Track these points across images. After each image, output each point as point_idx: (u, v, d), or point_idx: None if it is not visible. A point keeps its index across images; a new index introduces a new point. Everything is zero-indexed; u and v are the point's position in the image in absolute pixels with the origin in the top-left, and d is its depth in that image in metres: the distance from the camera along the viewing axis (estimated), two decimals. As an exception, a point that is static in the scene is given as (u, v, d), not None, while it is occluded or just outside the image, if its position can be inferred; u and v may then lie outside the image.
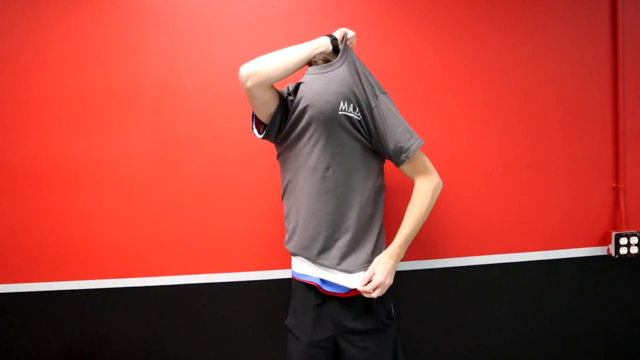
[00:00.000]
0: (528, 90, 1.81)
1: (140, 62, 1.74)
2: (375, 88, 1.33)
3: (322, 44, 1.31)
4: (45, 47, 1.73)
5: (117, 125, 1.75)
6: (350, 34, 1.37)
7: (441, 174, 1.74)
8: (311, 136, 1.29)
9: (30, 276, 1.77)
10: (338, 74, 1.28)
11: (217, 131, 1.76)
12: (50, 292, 1.77)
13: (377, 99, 1.31)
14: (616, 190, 1.85)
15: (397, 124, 1.30)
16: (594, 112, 1.84)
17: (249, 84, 1.24)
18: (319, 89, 1.27)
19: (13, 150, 1.76)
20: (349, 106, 1.27)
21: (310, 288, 1.39)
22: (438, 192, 1.36)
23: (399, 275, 1.78)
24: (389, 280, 1.30)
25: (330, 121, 1.26)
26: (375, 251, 1.35)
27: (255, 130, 1.39)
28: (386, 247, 1.36)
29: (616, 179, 1.85)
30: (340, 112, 1.26)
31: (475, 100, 1.80)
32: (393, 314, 1.44)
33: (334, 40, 1.32)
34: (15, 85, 1.74)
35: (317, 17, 1.75)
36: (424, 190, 1.33)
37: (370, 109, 1.30)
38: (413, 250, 1.78)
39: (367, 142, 1.33)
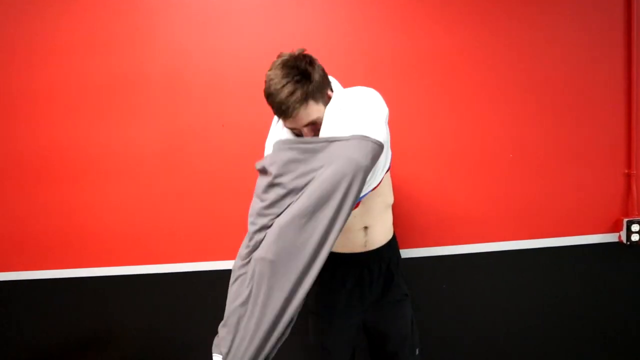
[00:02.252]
0: (540, 76, 1.79)
1: (148, 51, 1.73)
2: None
3: None
4: (53, 36, 1.73)
5: (125, 114, 1.75)
6: None
7: (452, 160, 1.75)
8: None
9: (40, 264, 1.79)
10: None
11: (226, 119, 1.75)
12: (64, 279, 1.79)
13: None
14: (628, 176, 1.83)
15: None
16: (607, 97, 1.81)
17: None
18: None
19: (20, 140, 1.76)
20: None
21: (336, 267, 1.36)
22: None
23: (410, 262, 1.78)
24: None
25: None
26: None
27: None
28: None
29: (628, 165, 1.83)
30: None
31: (486, 87, 1.78)
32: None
33: None
34: (22, 76, 1.74)
35: (325, 1, 1.73)
36: None
37: None
38: (424, 238, 1.79)
39: None
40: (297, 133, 1.19)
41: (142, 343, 1.83)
